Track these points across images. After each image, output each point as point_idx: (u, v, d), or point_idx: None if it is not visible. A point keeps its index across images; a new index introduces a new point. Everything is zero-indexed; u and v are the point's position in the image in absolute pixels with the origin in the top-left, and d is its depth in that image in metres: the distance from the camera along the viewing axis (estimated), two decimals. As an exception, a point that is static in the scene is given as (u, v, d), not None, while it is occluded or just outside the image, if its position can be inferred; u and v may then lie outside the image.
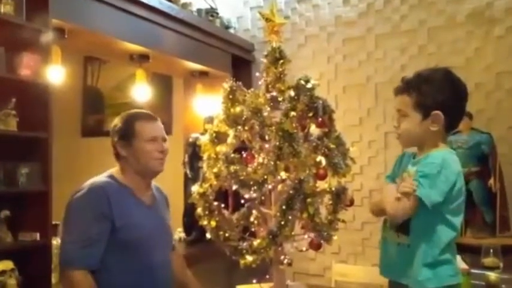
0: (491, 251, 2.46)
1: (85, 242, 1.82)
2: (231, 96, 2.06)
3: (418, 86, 1.72)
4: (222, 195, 2.16)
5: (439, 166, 1.66)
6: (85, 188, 1.89)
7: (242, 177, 1.92)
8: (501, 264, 2.41)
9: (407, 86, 1.75)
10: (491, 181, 3.30)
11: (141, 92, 3.76)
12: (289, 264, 2.04)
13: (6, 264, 2.32)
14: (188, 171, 3.83)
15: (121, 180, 1.97)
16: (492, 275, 2.30)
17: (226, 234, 2.03)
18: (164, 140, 2.05)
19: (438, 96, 1.71)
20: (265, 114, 1.98)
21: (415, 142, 1.79)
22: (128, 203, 1.93)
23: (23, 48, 2.53)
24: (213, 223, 2.05)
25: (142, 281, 1.91)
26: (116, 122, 2.03)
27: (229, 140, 2.06)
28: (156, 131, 2.03)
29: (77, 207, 1.88)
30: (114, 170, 2.02)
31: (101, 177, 1.96)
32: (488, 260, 2.45)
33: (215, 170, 2.03)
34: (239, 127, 2.01)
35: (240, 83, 2.11)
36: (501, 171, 3.33)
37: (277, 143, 1.90)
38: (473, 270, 2.34)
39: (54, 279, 2.58)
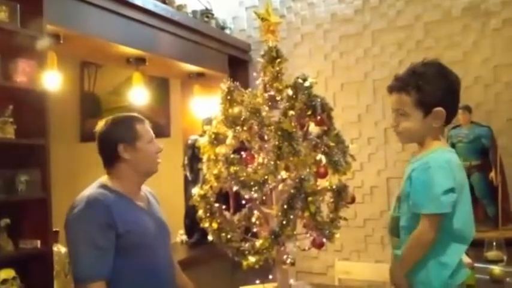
0: (494, 244, 2.46)
1: (96, 253, 1.79)
2: (229, 97, 2.05)
3: (417, 83, 1.70)
4: (223, 196, 2.15)
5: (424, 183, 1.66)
6: (82, 202, 1.85)
7: (242, 178, 1.91)
8: (505, 257, 2.41)
9: (404, 84, 1.72)
10: (492, 174, 3.30)
11: (139, 95, 3.75)
12: (292, 264, 2.03)
13: (8, 273, 2.30)
14: (188, 174, 3.82)
15: (113, 187, 1.94)
16: (496, 269, 2.30)
17: (228, 236, 2.02)
18: (155, 139, 2.05)
19: (437, 92, 1.70)
20: (264, 114, 1.97)
21: (416, 139, 1.78)
22: (126, 209, 1.91)
23: (18, 55, 2.51)
24: (215, 225, 2.04)
25: (149, 283, 1.90)
26: (110, 125, 1.98)
27: (229, 140, 2.05)
28: (151, 132, 2.03)
29: (78, 222, 1.84)
30: (103, 178, 1.98)
31: (93, 189, 1.92)
32: (492, 254, 2.45)
33: (215, 171, 2.02)
34: (238, 128, 2.00)
35: (238, 84, 2.10)
36: (502, 164, 3.33)
37: (277, 143, 1.90)
38: (477, 264, 2.33)
39: (56, 286, 2.57)
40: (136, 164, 1.97)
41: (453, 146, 3.21)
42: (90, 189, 1.93)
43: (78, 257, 1.82)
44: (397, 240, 1.76)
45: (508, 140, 3.51)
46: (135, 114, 2.07)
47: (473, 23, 3.68)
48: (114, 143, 1.96)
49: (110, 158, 1.97)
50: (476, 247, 2.44)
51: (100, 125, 2.01)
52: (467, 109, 3.35)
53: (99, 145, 2.00)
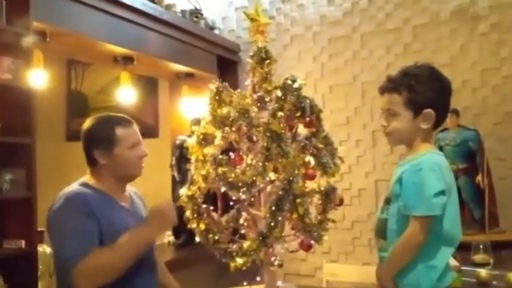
0: (481, 247, 2.46)
1: (82, 237, 1.74)
2: (217, 98, 2.04)
3: (408, 84, 1.71)
4: (211, 197, 2.14)
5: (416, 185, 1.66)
6: (62, 198, 1.82)
7: (230, 179, 1.90)
8: (491, 261, 2.42)
9: (396, 85, 1.73)
10: (479, 177, 3.31)
11: (126, 94, 3.71)
12: (280, 266, 2.02)
13: (-9, 273, 2.28)
14: (176, 174, 3.80)
15: (96, 186, 1.90)
16: (483, 272, 2.30)
17: (216, 237, 2.01)
18: (141, 143, 1.97)
19: (428, 93, 1.71)
20: (253, 114, 1.97)
21: (405, 140, 1.77)
22: (108, 208, 1.86)
23: (3, 52, 2.47)
24: (202, 226, 2.03)
25: (131, 284, 1.87)
26: (91, 126, 1.93)
27: (217, 141, 2.04)
28: (136, 136, 1.95)
29: (59, 216, 1.81)
30: (86, 177, 1.94)
31: (74, 186, 1.89)
32: (479, 257, 2.46)
33: (203, 172, 2.01)
34: (226, 128, 1.99)
35: (227, 84, 2.09)
36: (489, 167, 3.34)
37: (265, 144, 1.89)
38: (463, 268, 2.34)
39: (41, 286, 2.53)
40: (114, 169, 1.91)
41: (440, 149, 3.22)
42: (70, 187, 1.89)
43: (64, 247, 1.75)
44: (384, 242, 1.75)
45: (494, 144, 3.54)
46: (122, 115, 1.99)
47: (461, 27, 3.71)
48: (89, 147, 1.91)
49: (90, 160, 1.94)
50: (463, 250, 2.45)
51: (86, 123, 1.97)
52: (455, 112, 3.37)
53: (82, 144, 1.97)
